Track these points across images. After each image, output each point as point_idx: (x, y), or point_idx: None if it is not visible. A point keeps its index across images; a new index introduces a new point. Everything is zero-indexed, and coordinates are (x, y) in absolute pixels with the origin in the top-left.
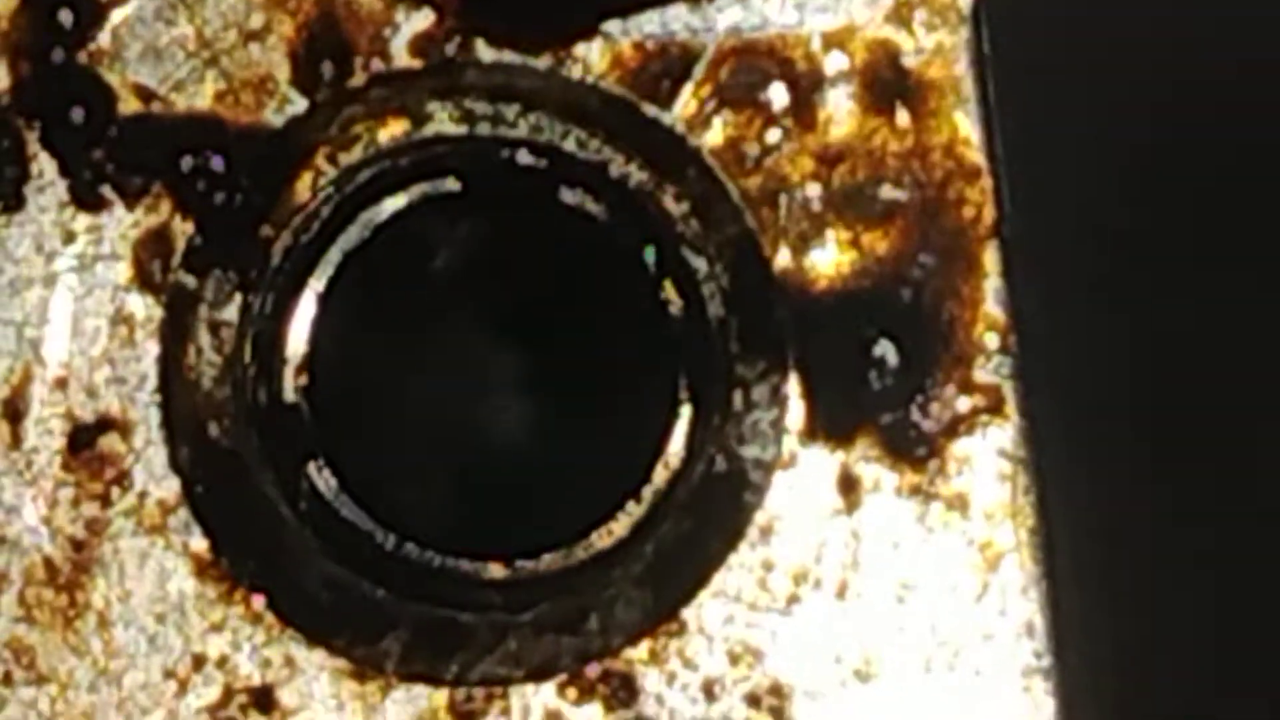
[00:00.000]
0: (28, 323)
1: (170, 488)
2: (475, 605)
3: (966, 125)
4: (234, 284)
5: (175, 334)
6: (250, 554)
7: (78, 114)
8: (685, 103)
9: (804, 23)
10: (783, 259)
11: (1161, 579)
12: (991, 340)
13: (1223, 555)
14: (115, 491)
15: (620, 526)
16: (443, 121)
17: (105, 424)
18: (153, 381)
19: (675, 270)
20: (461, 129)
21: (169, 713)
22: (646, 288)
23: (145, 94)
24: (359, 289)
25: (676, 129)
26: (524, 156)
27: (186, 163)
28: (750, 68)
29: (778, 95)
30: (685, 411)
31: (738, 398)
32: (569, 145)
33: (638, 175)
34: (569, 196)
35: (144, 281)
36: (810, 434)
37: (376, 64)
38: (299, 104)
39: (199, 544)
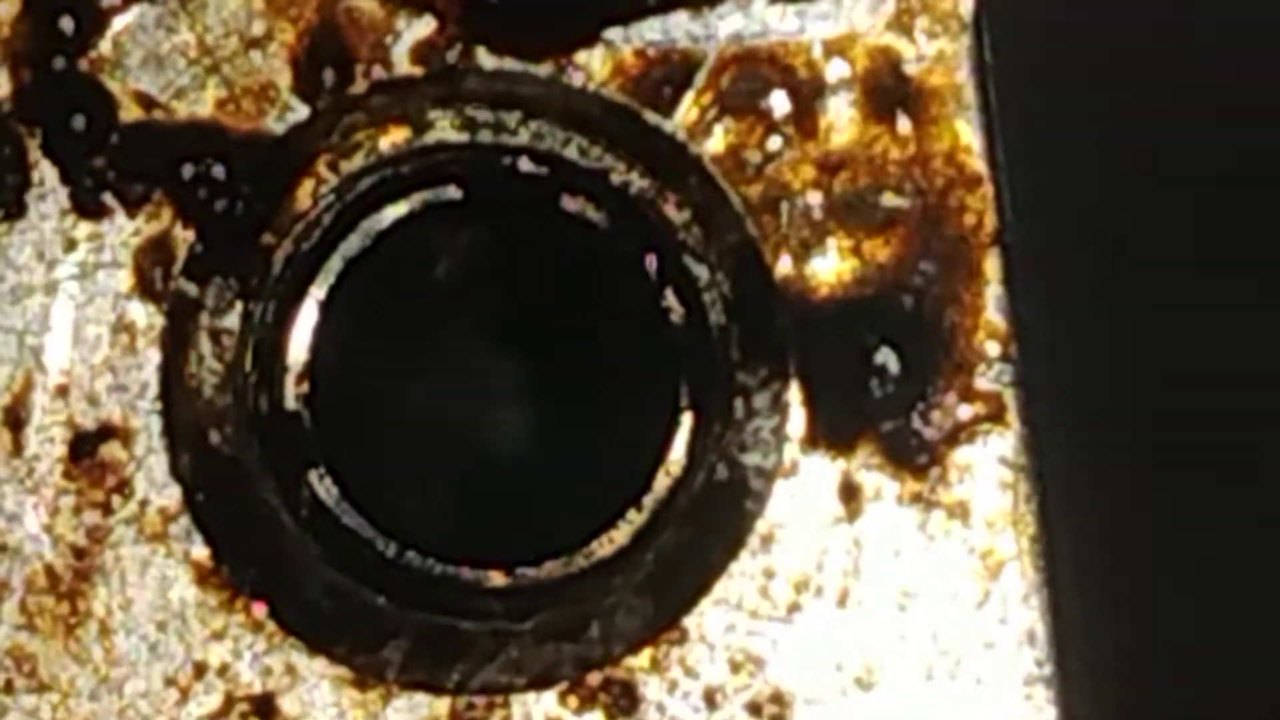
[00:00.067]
0: (29, 330)
1: (171, 495)
2: (476, 613)
3: (968, 133)
4: (235, 292)
5: (176, 342)
6: (251, 562)
7: (79, 121)
8: (686, 110)
9: (805, 30)
10: (784, 266)
11: (1163, 586)
12: (993, 348)
13: (1224, 562)
14: (116, 499)
15: (621, 534)
16: (444, 129)
17: (106, 432)
18: (154, 389)
19: (676, 278)
20: (463, 136)
21: None
22: (647, 295)
23: (146, 101)
24: (360, 297)
25: (678, 136)
26: (525, 164)
27: (188, 170)
28: (751, 75)
29: (779, 103)
30: (686, 419)
31: (739, 405)
32: (570, 153)
33: (639, 183)
34: (570, 204)
35: (145, 289)
36: (811, 442)
37: (378, 71)
38: (300, 111)
39: (200, 552)
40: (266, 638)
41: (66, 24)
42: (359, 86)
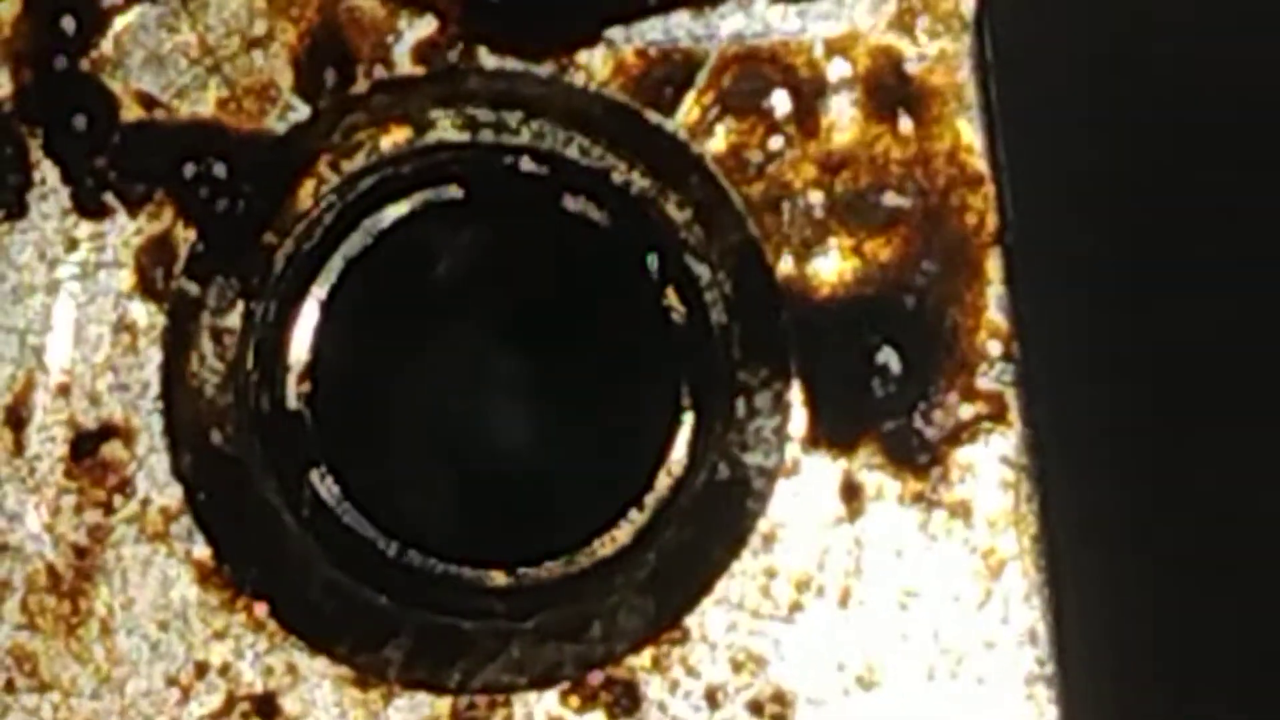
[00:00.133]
0: (30, 330)
1: (173, 495)
2: (478, 612)
3: (969, 132)
4: (236, 291)
5: (178, 341)
6: (253, 561)
7: (80, 121)
8: (688, 110)
9: (807, 30)
10: (785, 266)
11: (1164, 586)
12: (994, 347)
13: (1226, 562)
14: (118, 499)
15: (623, 534)
16: (445, 129)
17: (108, 431)
18: (155, 389)
19: (678, 277)
20: (464, 136)
21: None
22: (649, 295)
23: (148, 101)
24: (362, 296)
25: (679, 136)
26: (526, 164)
27: (189, 170)
28: (753, 75)
29: (780, 102)
30: (688, 419)
31: (740, 405)
32: (571, 152)
33: (640, 182)
34: (571, 204)
35: (146, 289)
36: (813, 441)
37: (379, 71)
38: (301, 111)
39: (201, 551)
40: (268, 637)
41: (68, 24)
42: (360, 86)
